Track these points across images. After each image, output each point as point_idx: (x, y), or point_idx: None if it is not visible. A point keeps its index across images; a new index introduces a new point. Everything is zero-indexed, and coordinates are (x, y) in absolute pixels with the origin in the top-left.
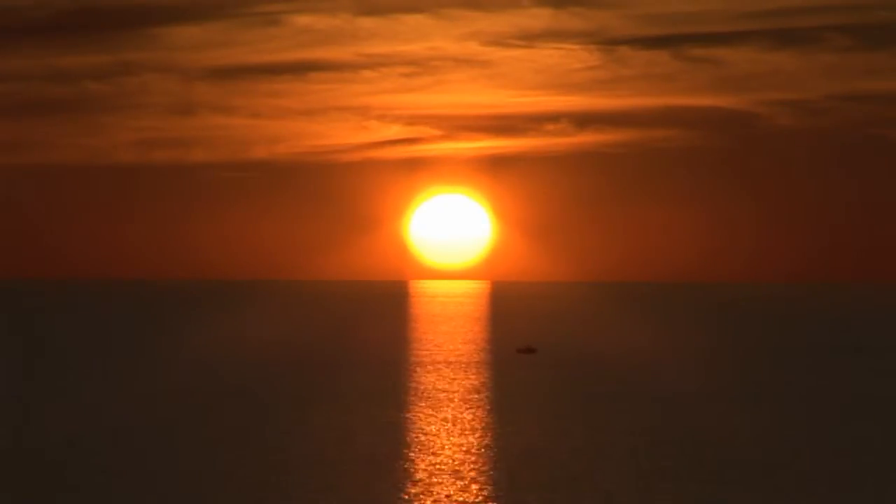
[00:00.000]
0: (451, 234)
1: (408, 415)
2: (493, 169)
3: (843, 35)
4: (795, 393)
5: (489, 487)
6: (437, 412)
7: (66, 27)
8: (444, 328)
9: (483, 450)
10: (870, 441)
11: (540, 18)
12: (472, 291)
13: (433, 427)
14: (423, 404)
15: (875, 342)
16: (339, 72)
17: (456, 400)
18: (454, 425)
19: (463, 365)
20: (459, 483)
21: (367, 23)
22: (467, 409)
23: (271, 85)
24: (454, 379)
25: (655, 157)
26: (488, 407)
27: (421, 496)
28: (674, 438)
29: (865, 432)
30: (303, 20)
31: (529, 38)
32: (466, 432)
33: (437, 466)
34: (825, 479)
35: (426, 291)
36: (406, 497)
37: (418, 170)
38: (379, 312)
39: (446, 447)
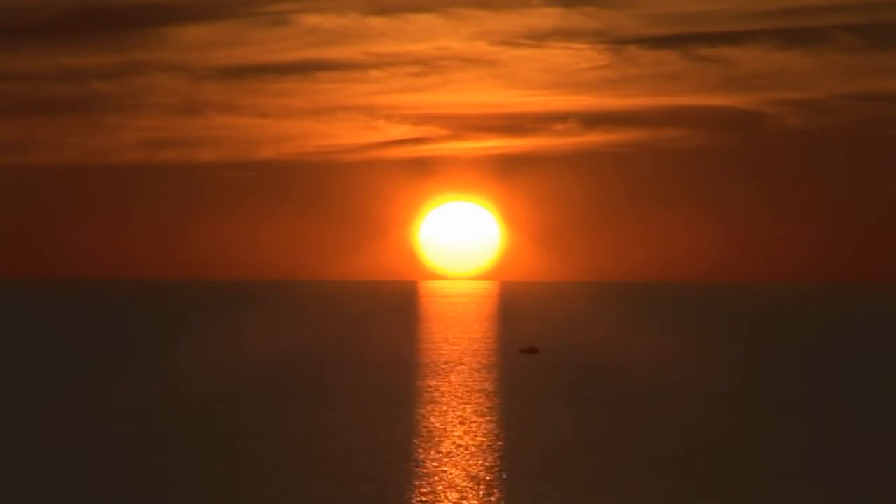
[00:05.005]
0: (459, 240)
1: (407, 415)
2: (500, 169)
3: (852, 35)
4: (804, 394)
5: (492, 484)
6: (436, 412)
7: (73, 27)
8: (450, 329)
9: (481, 448)
10: (880, 445)
11: (549, 18)
12: (481, 292)
13: (433, 426)
14: (423, 404)
15: (880, 344)
16: (347, 71)
17: (455, 399)
18: (453, 424)
19: (465, 365)
20: (462, 479)
21: (375, 22)
22: (466, 408)
23: (279, 84)
24: (455, 379)
25: (663, 156)
26: (486, 406)
27: (427, 492)
28: (667, 438)
29: (876, 437)
30: (311, 20)
31: (538, 38)
32: (464, 431)
33: (442, 464)
34: (828, 480)
35: (434, 292)
36: (413, 493)
37: (426, 171)
38: (385, 314)
39: (445, 445)
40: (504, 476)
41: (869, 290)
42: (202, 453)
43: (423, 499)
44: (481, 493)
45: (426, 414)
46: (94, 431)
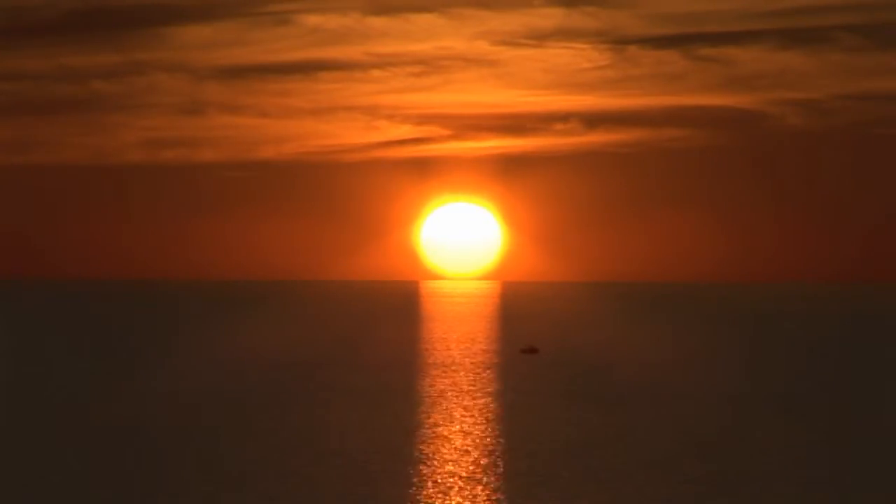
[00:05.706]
0: (460, 240)
1: (407, 415)
2: (502, 169)
3: (853, 35)
4: (805, 395)
5: (492, 484)
6: (436, 412)
7: (75, 27)
8: (450, 329)
9: (481, 448)
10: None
11: (550, 18)
12: (482, 292)
13: (433, 426)
14: (423, 404)
15: (881, 344)
16: (348, 71)
17: (455, 399)
18: (452, 424)
19: (465, 365)
20: (462, 479)
21: (376, 22)
22: (466, 408)
23: (280, 84)
24: (455, 379)
25: (664, 156)
26: (486, 406)
27: (426, 493)
28: (667, 438)
29: (878, 437)
30: (312, 20)
31: (539, 38)
32: (464, 431)
33: (441, 464)
34: (826, 481)
35: (435, 292)
36: (412, 494)
37: (427, 172)
38: (386, 314)
39: (445, 446)
40: (503, 476)
41: (870, 290)
42: (200, 453)
43: (422, 499)
44: (481, 493)
45: (426, 414)
46: (93, 431)
